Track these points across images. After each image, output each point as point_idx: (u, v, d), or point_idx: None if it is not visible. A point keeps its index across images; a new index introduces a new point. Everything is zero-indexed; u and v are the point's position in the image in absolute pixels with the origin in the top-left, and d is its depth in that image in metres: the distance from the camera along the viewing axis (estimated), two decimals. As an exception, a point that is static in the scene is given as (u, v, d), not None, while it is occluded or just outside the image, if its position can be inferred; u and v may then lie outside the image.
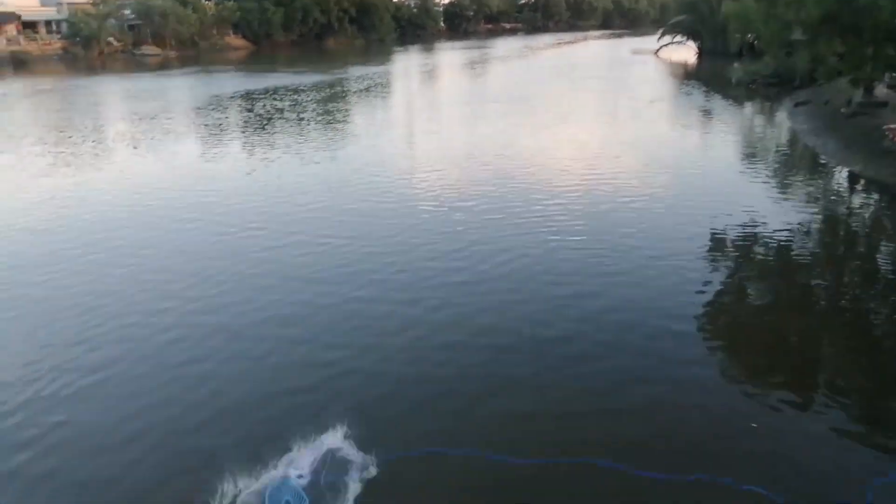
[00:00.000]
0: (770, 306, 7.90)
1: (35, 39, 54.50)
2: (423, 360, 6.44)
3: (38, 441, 5.30)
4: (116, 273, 8.85)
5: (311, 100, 26.83)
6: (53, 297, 8.13)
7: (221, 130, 20.37)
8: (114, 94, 32.84)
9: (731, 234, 9.88)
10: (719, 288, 8.12)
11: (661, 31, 48.53)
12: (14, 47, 51.80)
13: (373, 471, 4.78)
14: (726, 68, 30.32)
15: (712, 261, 8.89)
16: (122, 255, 9.52)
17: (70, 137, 19.79)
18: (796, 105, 21.00)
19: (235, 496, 4.55)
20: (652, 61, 42.99)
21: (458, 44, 68.02)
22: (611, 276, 8.28)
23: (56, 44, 54.86)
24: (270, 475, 4.67)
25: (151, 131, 20.47)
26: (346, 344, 6.74)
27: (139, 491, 4.78)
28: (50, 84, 37.20)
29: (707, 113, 22.51)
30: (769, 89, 25.73)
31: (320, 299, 7.82)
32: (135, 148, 18.12)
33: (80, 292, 8.21)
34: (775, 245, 9.53)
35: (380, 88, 32.09)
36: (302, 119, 21.99)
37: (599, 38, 77.06)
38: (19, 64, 49.40)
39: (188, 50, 58.24)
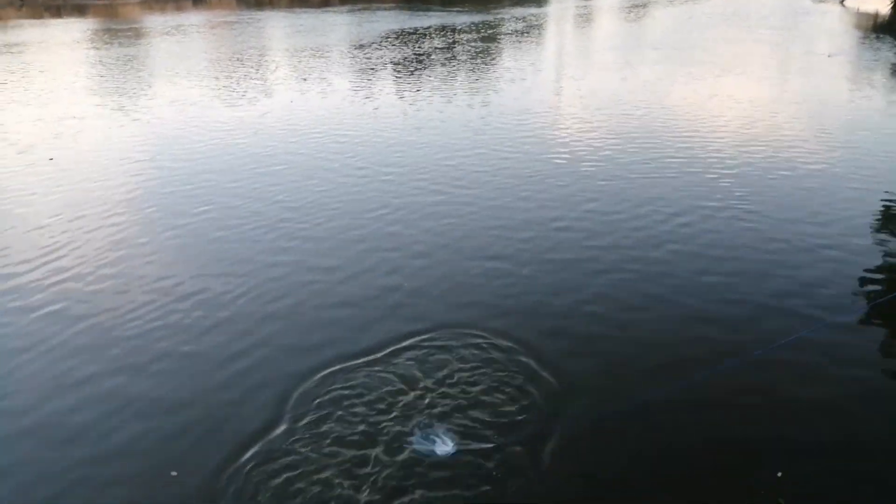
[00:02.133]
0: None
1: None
2: (573, 314, 6.49)
3: (231, 320, 6.14)
4: (278, 200, 9.66)
5: (467, 40, 27.02)
6: (217, 218, 9.08)
7: (379, 69, 21.09)
8: (283, 28, 34.72)
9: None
10: (892, 277, 7.32)
11: (850, -24, 43.75)
12: (194, -19, 55.85)
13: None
14: (925, 21, 27.05)
15: (884, 244, 7.99)
16: (279, 185, 10.38)
17: (245, 69, 21.39)
18: None
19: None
20: (836, 11, 39.02)
21: (618, -14, 64.98)
22: (767, 254, 7.61)
23: (230, -22, 58.46)
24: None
25: (318, 66, 21.66)
26: (495, 295, 6.92)
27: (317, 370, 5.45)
28: (229, 17, 39.90)
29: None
30: (976, 47, 22.76)
31: (453, 250, 8.12)
32: (304, 80, 19.32)
33: (241, 215, 9.12)
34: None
35: (535, 31, 31.63)
36: (456, 60, 22.29)
37: (777, -18, 70.56)
38: (198, -3, 53.39)
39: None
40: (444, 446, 4.55)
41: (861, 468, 4.45)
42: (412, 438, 4.64)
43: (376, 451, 4.59)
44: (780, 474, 4.32)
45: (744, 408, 5.12)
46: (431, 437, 4.64)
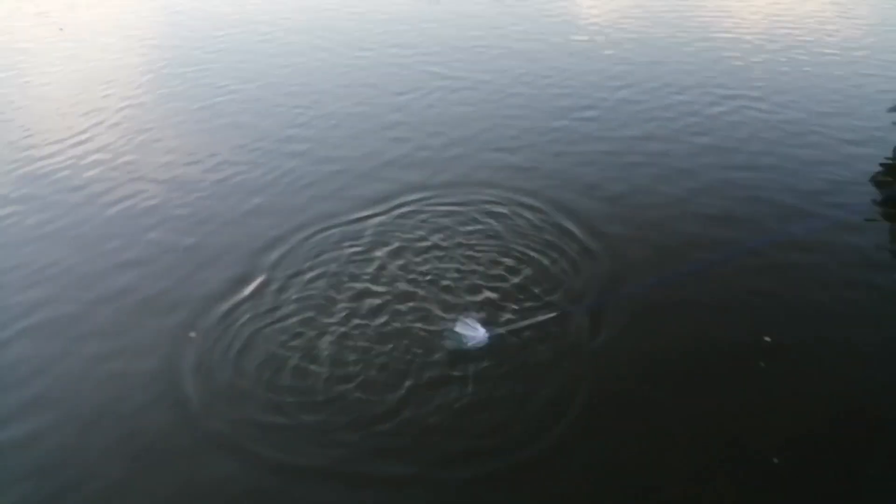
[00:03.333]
0: None
1: None
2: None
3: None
4: (292, 78, 9.50)
5: None
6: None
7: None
8: None
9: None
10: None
11: None
12: None
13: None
14: None
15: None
16: (294, 63, 10.17)
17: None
18: None
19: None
20: None
21: None
22: (795, 147, 7.22)
23: None
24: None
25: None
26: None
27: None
28: None
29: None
30: None
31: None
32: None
33: (259, 91, 9.00)
34: None
35: None
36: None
37: None
38: None
39: None
40: (476, 335, 4.45)
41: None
42: (445, 332, 4.53)
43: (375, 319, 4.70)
44: (767, 338, 4.54)
45: (749, 290, 5.10)
46: (462, 329, 4.49)
